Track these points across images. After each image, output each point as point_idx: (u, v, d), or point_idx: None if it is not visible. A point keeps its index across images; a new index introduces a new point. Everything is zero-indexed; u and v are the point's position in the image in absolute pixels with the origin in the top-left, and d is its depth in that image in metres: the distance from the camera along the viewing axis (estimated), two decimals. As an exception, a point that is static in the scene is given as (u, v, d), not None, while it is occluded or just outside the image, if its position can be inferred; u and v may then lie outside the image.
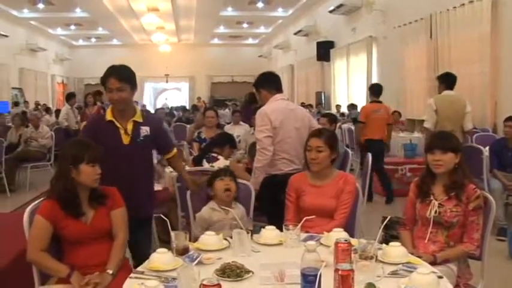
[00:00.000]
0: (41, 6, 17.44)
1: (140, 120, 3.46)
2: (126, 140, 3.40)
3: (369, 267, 2.13)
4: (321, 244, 2.63)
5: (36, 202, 2.91)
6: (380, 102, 7.71)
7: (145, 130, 3.45)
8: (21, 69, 20.27)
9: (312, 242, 2.21)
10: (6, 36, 17.80)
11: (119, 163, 3.28)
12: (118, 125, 3.40)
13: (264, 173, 3.99)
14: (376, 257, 2.25)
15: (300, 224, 2.74)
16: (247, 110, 8.67)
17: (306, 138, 3.53)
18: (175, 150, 3.77)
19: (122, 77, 3.38)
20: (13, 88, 19.24)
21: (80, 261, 2.74)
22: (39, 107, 18.10)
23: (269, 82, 4.31)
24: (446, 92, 6.33)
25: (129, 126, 3.41)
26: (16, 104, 17.91)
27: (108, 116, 3.43)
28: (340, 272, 1.94)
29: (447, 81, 6.40)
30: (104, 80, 3.42)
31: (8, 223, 3.81)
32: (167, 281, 2.21)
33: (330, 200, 3.22)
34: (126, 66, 3.53)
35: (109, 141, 3.31)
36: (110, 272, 2.67)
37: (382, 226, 2.65)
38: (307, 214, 2.98)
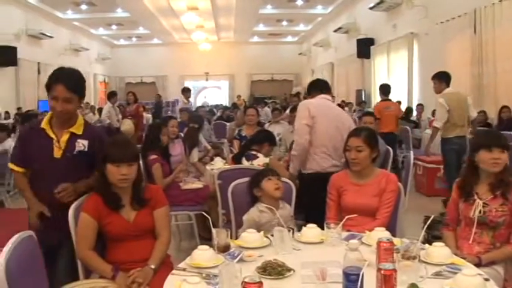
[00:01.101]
0: (83, 7, 17.94)
1: (79, 132, 3.05)
2: (57, 153, 2.99)
3: (412, 267, 2.10)
4: (363, 243, 2.60)
5: (81, 198, 2.97)
6: (390, 100, 8.99)
7: (81, 144, 3.03)
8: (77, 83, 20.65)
9: (354, 241, 2.19)
10: (51, 37, 18.25)
11: (48, 178, 2.96)
12: (51, 135, 3.00)
13: (299, 162, 4.17)
14: (419, 257, 2.22)
15: (341, 223, 2.72)
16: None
17: (329, 153, 3.87)
18: None
19: (72, 85, 2.93)
20: (58, 87, 19.69)
21: (123, 258, 2.78)
22: (82, 105, 18.47)
23: (315, 86, 4.60)
24: (449, 90, 6.53)
25: (64, 138, 3.00)
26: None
27: (43, 124, 3.02)
28: (382, 272, 1.91)
29: (447, 79, 6.60)
30: (50, 84, 2.91)
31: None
32: (208, 277, 2.22)
33: (372, 199, 3.18)
34: (76, 72, 3.08)
35: (38, 153, 3.01)
36: (152, 266, 2.69)
37: (425, 226, 2.60)
38: (348, 213, 2.95)
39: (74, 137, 3.02)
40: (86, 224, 2.78)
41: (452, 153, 6.45)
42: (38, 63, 17.67)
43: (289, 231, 2.61)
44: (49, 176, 2.96)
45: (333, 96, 9.11)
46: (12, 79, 16.08)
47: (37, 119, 3.08)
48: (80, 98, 3.00)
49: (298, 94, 14.27)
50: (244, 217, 3.25)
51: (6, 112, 14.60)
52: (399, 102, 11.60)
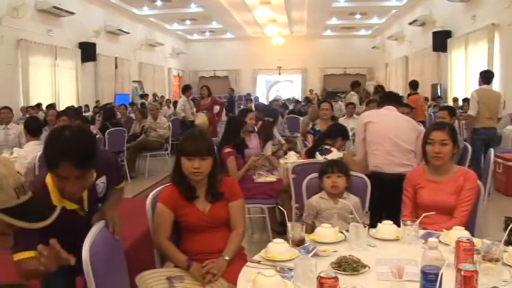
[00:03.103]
0: (159, 3, 18.44)
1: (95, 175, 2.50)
2: (82, 213, 2.52)
3: (494, 270, 2.00)
4: (440, 242, 2.53)
5: (159, 188, 3.04)
6: (418, 93, 10.42)
7: (101, 182, 2.60)
8: (140, 63, 21.45)
9: (433, 239, 2.14)
10: (127, 33, 18.91)
11: (73, 235, 2.21)
12: (72, 207, 2.45)
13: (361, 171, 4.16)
14: (502, 259, 2.14)
15: (418, 220, 2.66)
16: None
17: (404, 147, 4.02)
18: (123, 184, 2.94)
19: (82, 161, 2.22)
20: (133, 81, 20.44)
21: (197, 248, 2.83)
22: (157, 98, 19.02)
23: (384, 100, 4.89)
24: (485, 86, 7.58)
25: (85, 195, 2.50)
26: (141, 96, 18.99)
27: (56, 201, 2.34)
28: (463, 273, 1.85)
29: (485, 77, 7.64)
30: (53, 161, 2.21)
31: (129, 208, 4.01)
32: (283, 271, 2.23)
33: (450, 197, 3.10)
34: (85, 141, 2.30)
35: (64, 227, 2.04)
36: (227, 258, 2.71)
37: (510, 228, 2.50)
38: (424, 210, 2.88)
39: (93, 184, 2.52)
40: (162, 214, 2.85)
41: (478, 143, 7.19)
42: (115, 58, 18.39)
43: (364, 227, 2.58)
44: (74, 233, 2.23)
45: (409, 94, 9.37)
46: (91, 74, 16.79)
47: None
48: (93, 169, 2.38)
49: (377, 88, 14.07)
50: (307, 201, 3.38)
51: (86, 105, 15.23)
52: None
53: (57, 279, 2.43)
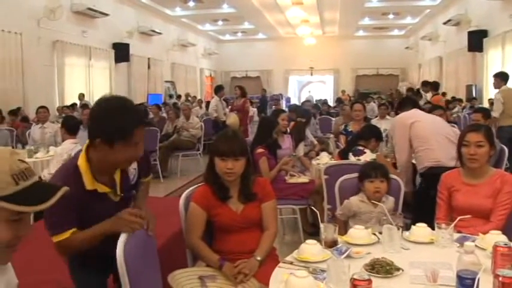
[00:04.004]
0: (191, 4, 18.57)
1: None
2: (115, 198, 2.46)
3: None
4: (476, 246, 2.49)
5: (192, 188, 3.05)
6: (439, 94, 10.79)
7: (132, 168, 2.57)
8: (173, 63, 21.68)
9: (469, 243, 2.10)
10: (160, 33, 19.14)
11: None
12: (104, 190, 2.39)
13: (406, 177, 4.16)
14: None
15: (453, 223, 2.61)
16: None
17: (454, 141, 3.73)
18: (151, 176, 2.90)
19: (147, 122, 2.46)
20: (166, 81, 20.65)
21: (229, 248, 2.84)
22: (189, 98, 19.17)
23: (404, 104, 4.87)
24: (506, 87, 8.06)
25: (117, 178, 2.46)
26: (170, 96, 19.17)
27: (88, 184, 2.31)
28: (501, 279, 1.80)
29: (505, 78, 8.18)
30: (128, 128, 2.25)
31: (162, 207, 4.05)
32: (315, 272, 2.22)
33: (486, 200, 3.03)
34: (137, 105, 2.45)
35: (95, 213, 2.31)
36: (259, 258, 2.71)
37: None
38: (459, 213, 2.84)
39: (124, 170, 2.52)
40: (195, 213, 2.86)
41: (504, 141, 6.98)
42: (148, 58, 18.65)
43: (398, 229, 2.55)
44: (106, 217, 2.32)
45: (443, 94, 9.19)
46: (124, 74, 17.04)
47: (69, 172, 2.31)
48: None
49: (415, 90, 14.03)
50: (345, 201, 3.36)
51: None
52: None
53: (90, 277, 2.47)
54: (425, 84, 11.35)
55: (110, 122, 2.23)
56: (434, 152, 4.13)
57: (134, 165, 2.56)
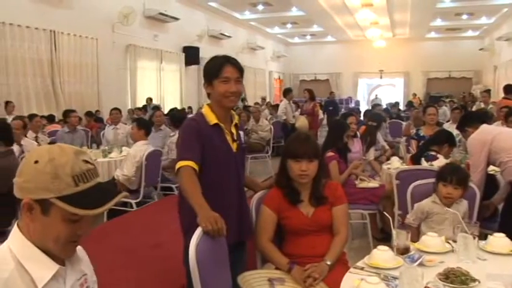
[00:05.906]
0: (260, 7, 18.71)
1: (238, 123, 2.92)
2: (234, 147, 2.78)
3: None
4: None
5: (263, 191, 3.08)
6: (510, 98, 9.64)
7: (242, 134, 2.92)
8: (242, 66, 21.75)
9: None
10: (229, 37, 19.45)
11: (228, 175, 2.76)
12: (225, 129, 2.77)
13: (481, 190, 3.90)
14: None
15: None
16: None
17: None
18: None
19: (240, 67, 2.84)
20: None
21: (299, 251, 2.84)
22: (259, 101, 19.28)
23: (472, 120, 4.48)
24: None
25: (234, 131, 2.81)
26: (242, 100, 19.36)
27: (212, 119, 2.72)
28: None
29: None
30: (217, 67, 2.72)
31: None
32: (387, 279, 2.20)
33: None
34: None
35: (220, 149, 2.72)
36: (328, 262, 2.69)
37: None
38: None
39: (238, 128, 2.87)
40: (266, 216, 2.89)
41: None
42: (218, 62, 18.83)
43: (474, 238, 2.47)
44: (229, 171, 2.76)
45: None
46: (195, 77, 17.33)
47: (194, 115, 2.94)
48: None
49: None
50: (415, 205, 3.29)
51: (189, 107, 15.74)
52: None
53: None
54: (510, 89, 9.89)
55: (205, 67, 2.79)
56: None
57: (241, 132, 2.90)
